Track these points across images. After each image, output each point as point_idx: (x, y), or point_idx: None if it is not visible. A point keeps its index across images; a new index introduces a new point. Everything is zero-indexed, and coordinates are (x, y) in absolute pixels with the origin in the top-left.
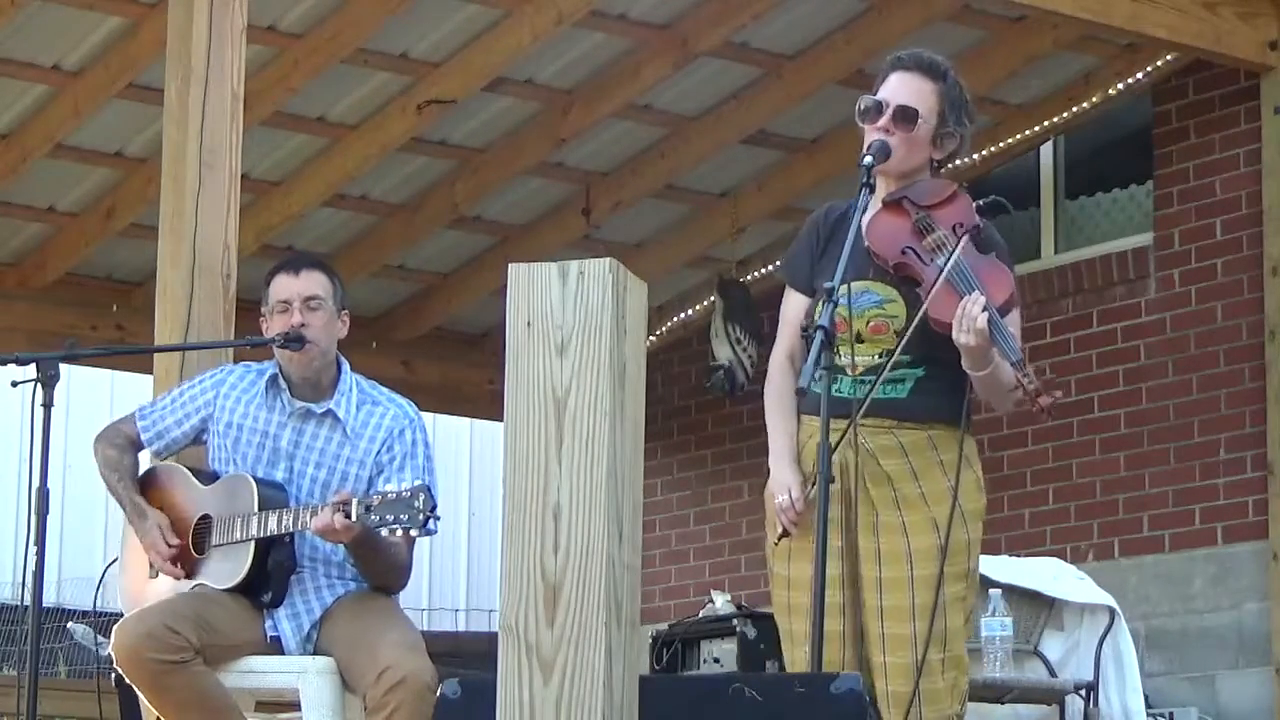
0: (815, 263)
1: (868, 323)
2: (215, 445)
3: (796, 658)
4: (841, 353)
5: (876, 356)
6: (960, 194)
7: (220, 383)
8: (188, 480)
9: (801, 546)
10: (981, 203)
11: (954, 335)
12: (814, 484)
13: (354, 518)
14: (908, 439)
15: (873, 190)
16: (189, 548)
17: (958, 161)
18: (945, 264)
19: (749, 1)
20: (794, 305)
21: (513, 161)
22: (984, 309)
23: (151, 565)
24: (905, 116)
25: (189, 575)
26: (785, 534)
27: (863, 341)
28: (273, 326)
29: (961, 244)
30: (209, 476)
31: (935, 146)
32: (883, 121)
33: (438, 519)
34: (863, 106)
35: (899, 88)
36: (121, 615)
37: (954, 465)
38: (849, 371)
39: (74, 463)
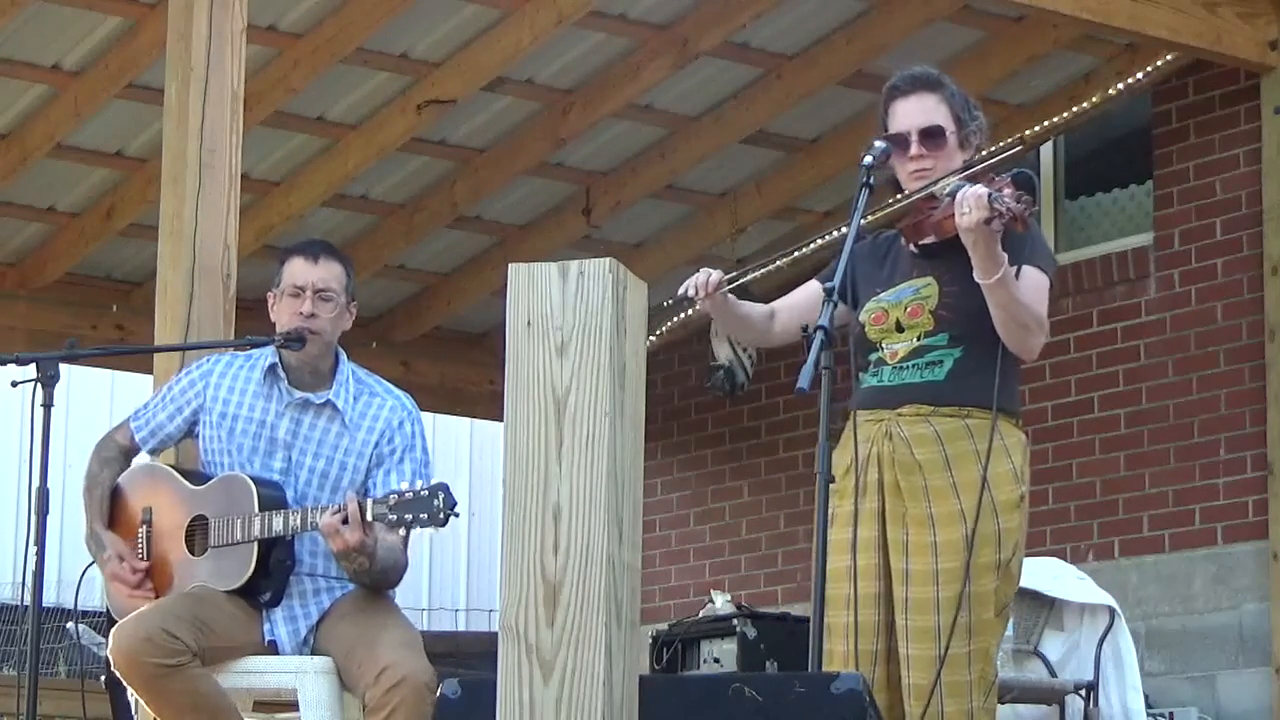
0: (853, 275)
1: (905, 309)
2: (208, 436)
3: (833, 649)
4: (882, 344)
5: (916, 340)
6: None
7: (208, 373)
8: (176, 481)
9: (837, 540)
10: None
11: (957, 222)
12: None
13: (370, 517)
14: (944, 427)
15: (872, 190)
16: (186, 550)
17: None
18: (940, 181)
19: (749, 1)
20: (805, 286)
21: (513, 161)
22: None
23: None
24: (932, 135)
25: (180, 579)
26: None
27: (902, 330)
28: (281, 308)
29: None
30: (199, 477)
31: (963, 149)
32: (913, 151)
33: (456, 515)
34: (883, 145)
35: (910, 113)
36: (107, 613)
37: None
38: (888, 360)
39: (74, 463)
